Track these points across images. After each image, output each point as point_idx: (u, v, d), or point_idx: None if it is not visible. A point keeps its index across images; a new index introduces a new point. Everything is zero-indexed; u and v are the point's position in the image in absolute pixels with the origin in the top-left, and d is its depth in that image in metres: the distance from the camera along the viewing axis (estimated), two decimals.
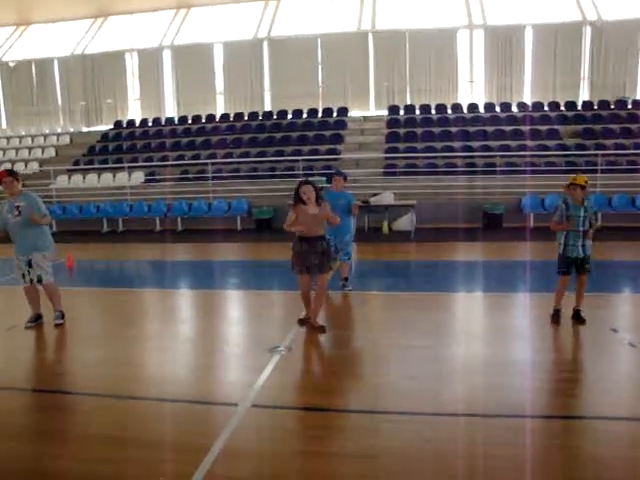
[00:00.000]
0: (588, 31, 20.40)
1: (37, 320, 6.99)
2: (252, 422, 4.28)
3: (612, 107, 18.77)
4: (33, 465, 3.70)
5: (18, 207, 6.67)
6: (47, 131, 22.71)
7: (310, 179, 6.60)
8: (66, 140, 21.74)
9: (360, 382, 5.12)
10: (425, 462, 3.67)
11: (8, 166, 20.01)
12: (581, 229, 6.19)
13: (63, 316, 6.99)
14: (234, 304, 8.58)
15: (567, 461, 3.66)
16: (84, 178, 18.69)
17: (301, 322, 6.57)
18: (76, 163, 19.49)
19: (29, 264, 6.76)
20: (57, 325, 6.85)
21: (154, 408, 4.61)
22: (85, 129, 23.11)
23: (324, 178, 11.62)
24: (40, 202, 6.88)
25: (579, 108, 19.00)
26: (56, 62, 23.50)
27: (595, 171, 14.93)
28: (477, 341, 6.23)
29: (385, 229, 14.53)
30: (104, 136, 21.19)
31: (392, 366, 5.48)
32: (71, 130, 22.74)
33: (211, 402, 4.67)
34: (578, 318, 6.39)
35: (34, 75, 23.69)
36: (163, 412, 4.52)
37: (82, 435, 4.14)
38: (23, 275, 6.84)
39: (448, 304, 7.92)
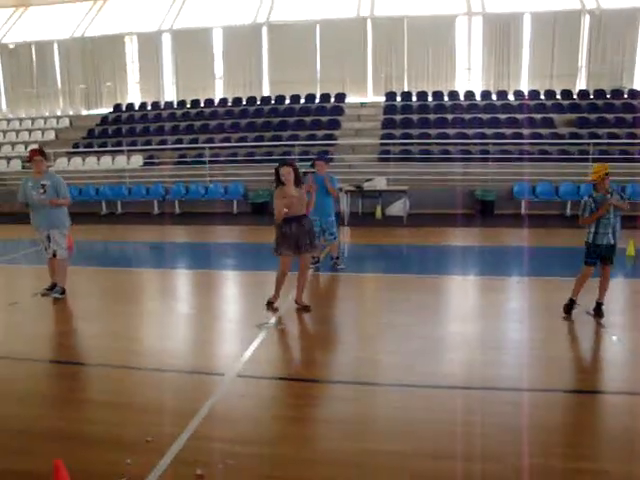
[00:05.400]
0: (587, 19, 20.39)
1: (53, 288, 7.37)
2: (237, 390, 4.58)
3: (608, 97, 18.87)
4: (31, 425, 4.00)
5: (44, 186, 7.09)
6: (47, 114, 22.79)
7: (290, 161, 6.71)
8: (66, 123, 21.86)
9: (341, 356, 5.42)
10: (395, 427, 3.96)
11: (8, 148, 20.30)
12: (611, 216, 6.07)
13: (63, 292, 7.30)
14: (228, 283, 8.86)
15: (531, 429, 3.94)
16: (83, 161, 18.88)
17: (270, 304, 6.62)
18: (75, 146, 19.66)
19: (48, 239, 7.24)
20: (56, 299, 7.19)
21: (147, 377, 4.92)
22: (85, 112, 23.19)
23: (308, 163, 11.80)
24: (64, 184, 7.33)
25: (575, 97, 19.11)
26: (56, 45, 23.53)
27: (587, 160, 15.13)
28: (459, 321, 6.53)
29: (378, 214, 14.78)
30: (104, 119, 21.32)
31: (374, 342, 5.79)
32: (71, 113, 22.83)
33: (200, 372, 4.96)
34: (599, 311, 6.25)
35: (34, 57, 23.72)
36: (155, 381, 4.83)
37: (78, 399, 4.46)
38: (45, 248, 7.34)
39: (435, 286, 8.15)
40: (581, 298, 6.31)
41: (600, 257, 6.20)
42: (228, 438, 3.78)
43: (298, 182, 6.31)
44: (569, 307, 6.32)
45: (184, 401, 4.33)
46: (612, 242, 6.16)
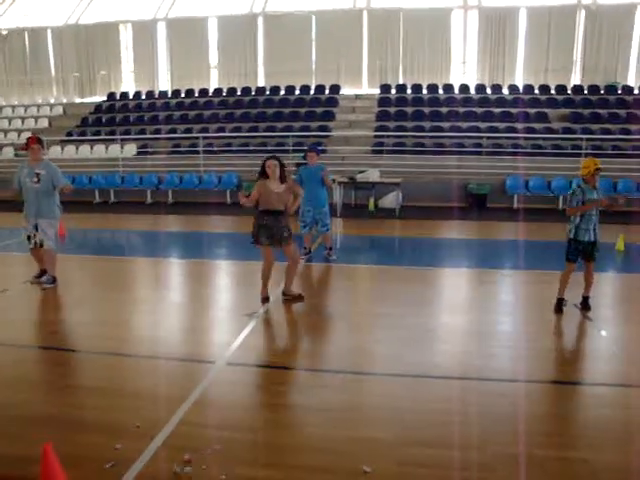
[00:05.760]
0: (582, 14, 20.43)
1: (42, 276, 7.37)
2: (226, 378, 4.63)
3: (602, 92, 18.94)
4: (21, 410, 4.03)
5: (38, 174, 7.06)
6: (40, 101, 22.70)
7: (278, 155, 6.66)
8: (59, 111, 21.77)
9: (331, 345, 5.48)
10: (382, 415, 4.02)
11: (0, 136, 20.18)
12: (594, 213, 6.14)
13: (54, 281, 7.27)
14: (219, 273, 8.88)
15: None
16: (77, 149, 18.82)
17: (266, 299, 6.49)
18: (69, 134, 19.58)
19: (36, 228, 7.19)
20: (44, 288, 7.15)
21: (138, 364, 4.95)
22: (78, 100, 23.09)
23: (301, 154, 11.92)
24: (60, 172, 7.27)
25: (569, 92, 19.16)
26: (49, 31, 23.36)
27: (580, 155, 15.20)
28: (449, 312, 6.60)
29: (371, 206, 14.83)
30: (97, 108, 21.24)
31: (364, 331, 5.85)
32: (64, 101, 22.74)
33: (191, 359, 5.00)
34: (586, 305, 6.31)
35: (27, 44, 23.54)
36: (146, 368, 4.87)
37: (68, 385, 4.48)
38: (29, 237, 7.27)
39: (426, 278, 8.21)
40: (568, 291, 6.36)
41: (582, 254, 6.20)
42: (216, 424, 3.82)
43: (283, 178, 6.30)
44: (559, 306, 6.30)
45: (174, 388, 4.36)
46: (593, 239, 6.17)
